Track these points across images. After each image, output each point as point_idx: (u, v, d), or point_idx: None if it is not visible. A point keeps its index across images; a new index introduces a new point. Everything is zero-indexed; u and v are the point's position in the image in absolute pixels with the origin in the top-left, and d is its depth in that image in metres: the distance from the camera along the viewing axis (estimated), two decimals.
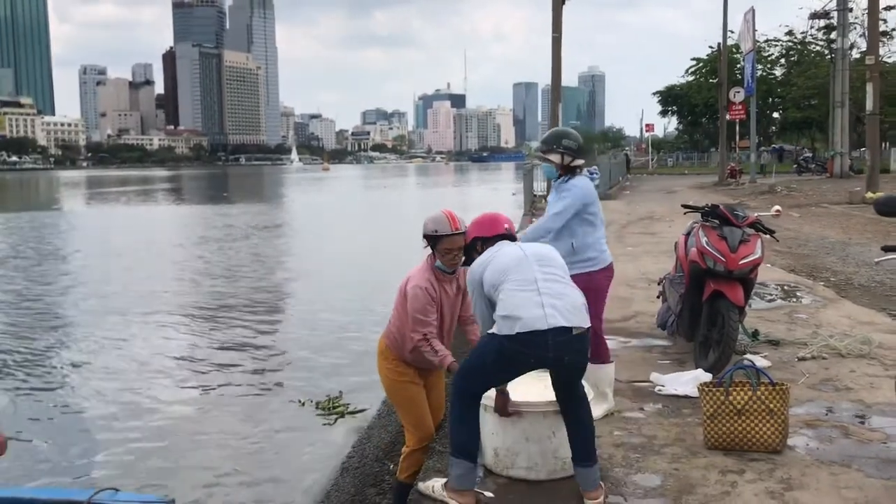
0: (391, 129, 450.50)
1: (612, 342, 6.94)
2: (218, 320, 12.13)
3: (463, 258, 4.01)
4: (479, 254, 3.87)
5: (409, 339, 4.02)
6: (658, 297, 7.33)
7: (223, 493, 5.66)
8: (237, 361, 9.59)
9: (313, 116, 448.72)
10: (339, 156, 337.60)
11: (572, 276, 4.75)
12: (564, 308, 3.53)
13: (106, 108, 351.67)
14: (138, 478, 5.81)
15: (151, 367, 9.44)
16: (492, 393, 3.91)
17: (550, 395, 3.84)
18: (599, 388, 4.90)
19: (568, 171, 4.85)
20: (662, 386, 5.57)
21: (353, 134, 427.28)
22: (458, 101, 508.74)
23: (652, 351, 6.71)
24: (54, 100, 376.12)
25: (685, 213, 6.83)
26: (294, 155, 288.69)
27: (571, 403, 3.74)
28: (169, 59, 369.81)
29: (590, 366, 4.92)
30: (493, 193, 49.71)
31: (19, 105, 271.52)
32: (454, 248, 3.94)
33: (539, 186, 25.07)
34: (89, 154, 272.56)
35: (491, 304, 3.69)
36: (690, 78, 64.79)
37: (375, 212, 37.48)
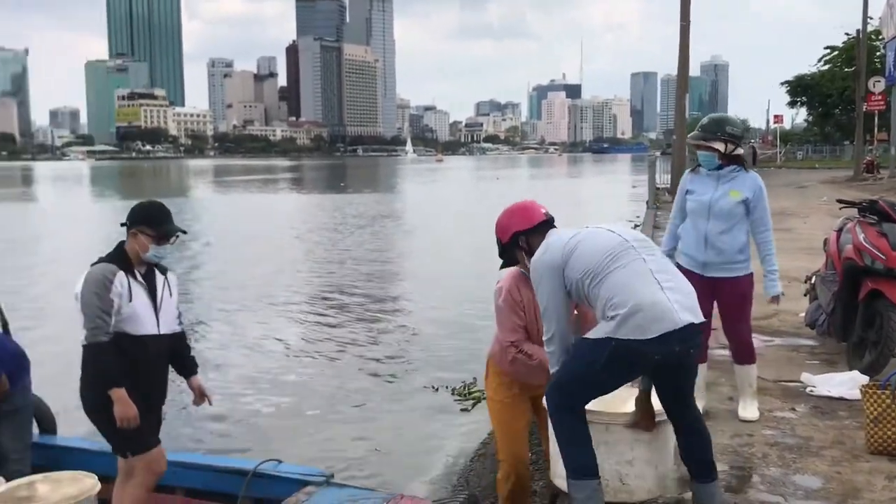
0: (504, 120, 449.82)
1: (753, 340, 6.75)
2: (340, 307, 12.48)
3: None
4: (525, 251, 3.40)
5: (504, 350, 3.64)
6: (805, 295, 7.04)
7: (370, 469, 5.84)
8: (366, 346, 9.85)
9: (427, 108, 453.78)
10: (452, 147, 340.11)
11: (738, 278, 4.67)
12: (687, 301, 3.10)
13: (232, 100, 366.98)
14: (289, 453, 6.08)
15: (282, 349, 9.86)
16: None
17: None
18: (752, 387, 4.77)
19: (731, 161, 4.62)
20: (814, 387, 5.36)
21: (466, 125, 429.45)
22: (573, 91, 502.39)
23: (799, 350, 6.46)
24: (184, 92, 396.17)
25: (841, 209, 6.50)
26: (409, 146, 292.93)
27: (687, 409, 3.26)
28: (291, 52, 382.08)
29: (738, 366, 4.81)
30: (611, 185, 48.95)
31: (153, 97, 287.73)
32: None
33: (662, 178, 24.52)
34: (216, 144, 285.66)
35: (569, 296, 3.19)
36: (823, 67, 61.54)
37: (489, 202, 37.57)
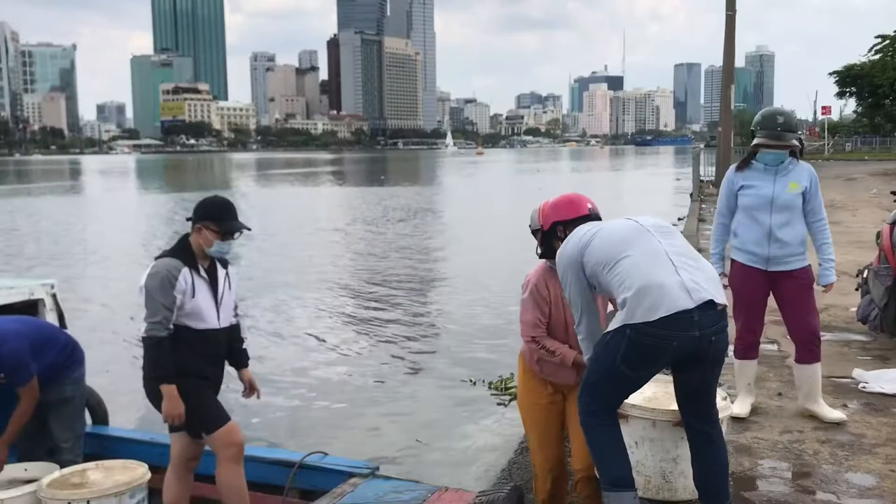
0: (545, 112, 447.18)
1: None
2: (381, 300, 12.55)
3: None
4: (563, 241, 3.29)
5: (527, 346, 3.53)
6: (857, 289, 6.88)
7: (413, 461, 5.86)
8: (405, 340, 9.89)
9: (468, 101, 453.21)
10: (492, 140, 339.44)
11: (802, 269, 4.56)
12: (706, 281, 2.93)
13: (274, 94, 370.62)
14: (332, 445, 6.13)
15: (323, 342, 9.95)
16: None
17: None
18: (815, 390, 4.64)
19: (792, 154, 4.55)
20: (867, 383, 5.24)
21: (506, 118, 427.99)
22: (615, 83, 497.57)
23: (850, 346, 6.32)
24: (227, 86, 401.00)
25: (894, 201, 6.33)
26: (449, 139, 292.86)
27: (704, 412, 3.06)
28: (332, 45, 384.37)
29: (807, 366, 4.61)
30: (654, 178, 48.38)
31: (197, 91, 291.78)
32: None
33: (706, 171, 24.18)
34: (259, 137, 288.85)
35: (591, 287, 3.11)
36: (874, 56, 59.97)
37: (530, 196, 37.38)
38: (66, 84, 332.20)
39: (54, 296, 5.00)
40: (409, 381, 8.17)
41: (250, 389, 4.17)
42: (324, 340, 9.97)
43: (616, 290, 2.95)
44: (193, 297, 3.81)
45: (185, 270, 3.80)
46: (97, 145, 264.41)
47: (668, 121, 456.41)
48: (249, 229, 3.98)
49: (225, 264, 4.05)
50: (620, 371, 2.92)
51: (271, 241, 20.14)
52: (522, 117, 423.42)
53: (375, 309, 11.86)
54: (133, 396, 8.30)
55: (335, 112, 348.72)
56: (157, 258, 3.88)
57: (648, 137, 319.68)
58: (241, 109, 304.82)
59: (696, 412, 3.08)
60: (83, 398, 4.80)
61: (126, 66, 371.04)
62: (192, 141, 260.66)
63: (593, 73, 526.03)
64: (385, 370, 8.59)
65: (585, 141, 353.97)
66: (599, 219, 3.33)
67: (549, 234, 3.36)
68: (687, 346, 2.88)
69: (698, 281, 2.90)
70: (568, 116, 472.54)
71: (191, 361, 3.82)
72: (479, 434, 6.52)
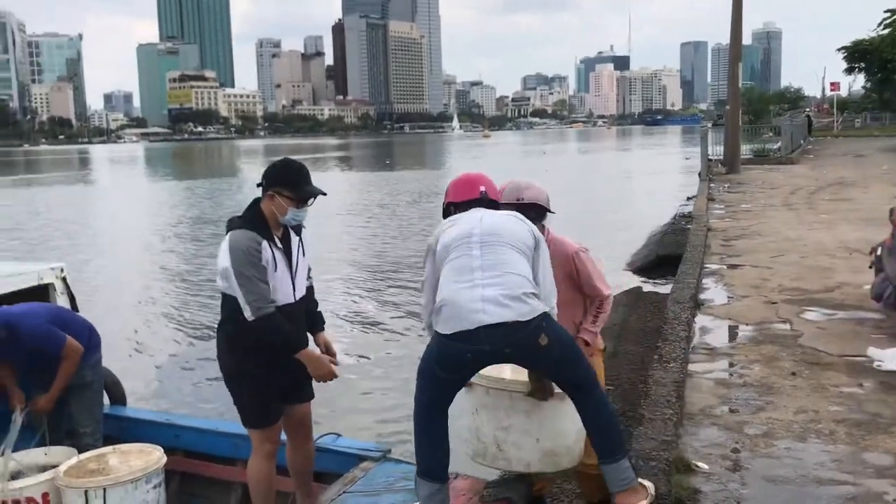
0: (552, 94, 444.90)
1: (814, 314, 6.61)
2: (396, 282, 12.55)
3: None
4: None
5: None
6: (871, 267, 6.83)
7: None
8: (419, 321, 9.89)
9: (474, 84, 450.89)
10: (498, 122, 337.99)
11: None
12: (498, 298, 2.93)
13: (280, 80, 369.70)
14: (345, 426, 6.15)
15: (339, 323, 9.95)
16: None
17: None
18: None
19: None
20: (881, 361, 5.21)
21: (513, 100, 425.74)
22: (621, 63, 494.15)
23: (863, 324, 6.27)
24: (234, 73, 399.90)
25: None
26: (455, 122, 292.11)
27: (578, 392, 3.07)
28: (338, 30, 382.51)
29: None
30: (662, 158, 48.11)
31: (204, 78, 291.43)
32: None
33: (714, 150, 24.01)
34: (266, 124, 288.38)
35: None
36: (883, 31, 59.28)
37: (536, 178, 37.12)
38: (74, 74, 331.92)
39: (64, 279, 4.99)
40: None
41: (327, 352, 3.83)
42: (339, 322, 9.99)
43: (437, 294, 3.06)
44: (275, 271, 3.53)
45: (265, 244, 3.49)
46: (105, 134, 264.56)
47: (675, 100, 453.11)
48: (325, 194, 3.64)
49: (299, 231, 3.73)
50: (434, 371, 3.01)
51: None
52: (528, 99, 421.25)
53: (392, 291, 11.88)
54: (148, 377, 8.44)
55: (341, 97, 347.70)
56: (229, 230, 3.55)
57: (658, 117, 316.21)
58: (247, 96, 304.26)
59: (573, 396, 3.09)
60: (101, 382, 4.83)
61: (132, 55, 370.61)
62: (200, 128, 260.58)
63: (599, 53, 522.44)
64: (400, 353, 8.61)
65: (592, 122, 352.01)
66: (491, 203, 3.29)
67: (445, 213, 3.35)
68: (485, 358, 2.97)
69: (488, 298, 2.92)
70: (574, 97, 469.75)
71: (253, 350, 3.55)
72: None
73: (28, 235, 20.35)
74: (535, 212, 3.44)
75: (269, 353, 3.55)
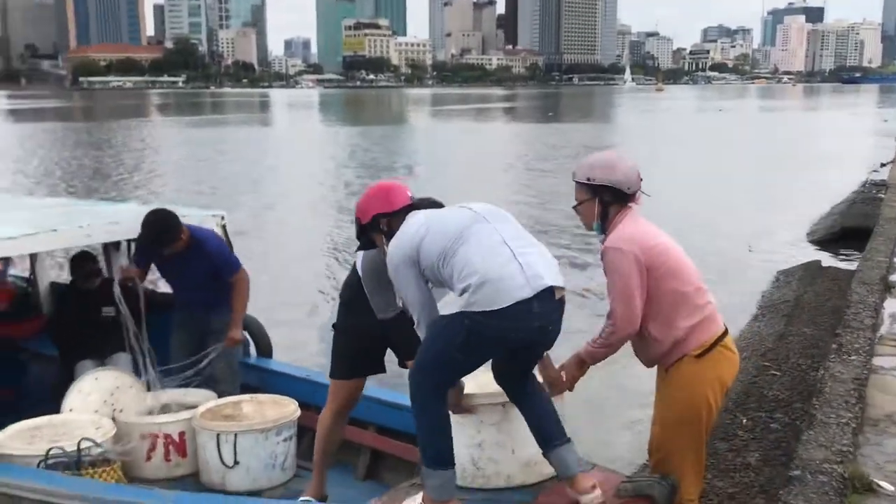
0: (733, 47, 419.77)
1: None
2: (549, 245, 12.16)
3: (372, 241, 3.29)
4: (386, 234, 3.16)
5: None
6: None
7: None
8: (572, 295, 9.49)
9: (650, 34, 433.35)
10: (674, 76, 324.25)
11: None
12: (545, 266, 2.90)
13: (451, 29, 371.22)
14: None
15: None
16: None
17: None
18: None
19: None
20: None
21: (690, 53, 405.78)
22: (814, 14, 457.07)
23: None
24: (406, 21, 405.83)
25: None
26: (627, 75, 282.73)
27: (527, 383, 3.09)
28: None
29: None
30: (855, 119, 44.25)
31: (377, 27, 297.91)
32: None
33: None
34: (434, 73, 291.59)
35: (429, 282, 3.04)
36: None
37: (708, 138, 35.14)
38: (257, 20, 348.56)
39: (224, 227, 5.07)
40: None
41: None
42: None
43: (454, 281, 2.90)
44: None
45: None
46: (284, 79, 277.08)
47: (872, 56, 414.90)
48: None
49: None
50: (453, 357, 2.92)
51: (438, 176, 20.20)
52: (708, 52, 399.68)
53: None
54: (296, 332, 8.53)
55: (510, 47, 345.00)
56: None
57: (857, 74, 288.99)
58: (418, 45, 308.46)
59: (519, 385, 3.11)
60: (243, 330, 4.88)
61: (312, 2, 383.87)
62: (371, 76, 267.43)
63: (790, 3, 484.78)
64: None
65: (777, 78, 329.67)
66: (421, 207, 3.19)
67: (371, 227, 3.23)
68: (525, 337, 2.91)
69: (537, 267, 2.88)
70: (758, 51, 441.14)
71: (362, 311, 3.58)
72: (629, 410, 5.88)
73: (209, 178, 21.60)
74: (611, 195, 3.05)
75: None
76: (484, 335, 2.85)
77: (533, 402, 3.10)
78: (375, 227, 3.23)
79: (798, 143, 31.10)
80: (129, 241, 4.93)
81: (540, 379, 3.20)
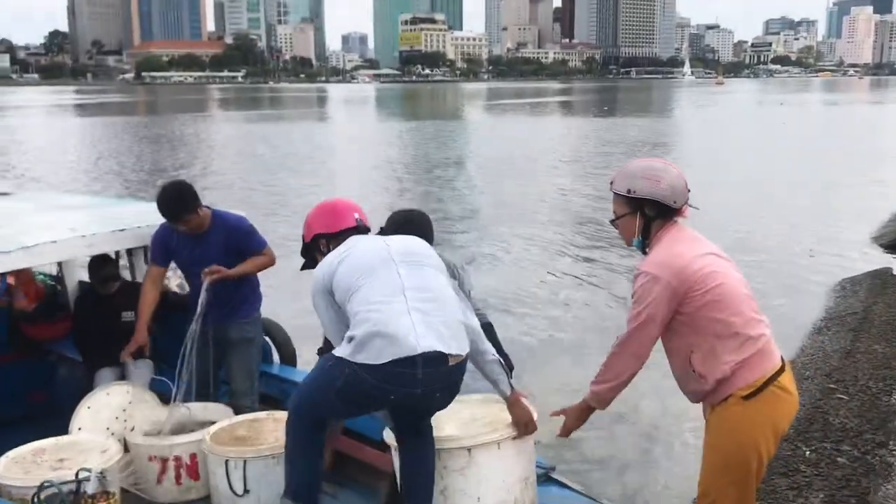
0: (797, 39, 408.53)
1: None
2: (590, 249, 11.76)
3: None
4: (325, 256, 3.01)
5: None
6: None
7: (590, 464, 4.98)
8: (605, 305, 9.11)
9: (710, 27, 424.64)
10: (735, 69, 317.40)
11: None
12: (442, 327, 2.68)
13: (507, 23, 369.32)
14: None
15: (528, 286, 9.38)
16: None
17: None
18: None
19: None
20: None
21: (752, 45, 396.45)
22: (883, 5, 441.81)
23: None
24: (462, 16, 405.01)
25: None
26: (686, 68, 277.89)
27: (419, 438, 2.88)
28: None
29: None
30: None
31: (433, 21, 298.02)
32: None
33: None
34: (490, 67, 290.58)
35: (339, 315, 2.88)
36: None
37: (769, 133, 33.95)
38: (315, 15, 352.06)
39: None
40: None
41: None
42: (528, 285, 9.44)
43: (350, 322, 2.75)
44: None
45: None
46: (341, 74, 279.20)
47: None
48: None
49: None
50: (331, 399, 2.78)
51: (490, 173, 19.87)
52: (770, 44, 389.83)
53: (586, 261, 11.08)
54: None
55: (567, 40, 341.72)
56: None
57: None
58: (474, 39, 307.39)
59: (411, 433, 2.91)
60: (261, 340, 4.66)
61: None
62: (427, 71, 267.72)
63: None
64: (579, 342, 7.51)
65: (842, 71, 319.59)
66: (368, 230, 3.12)
67: (311, 247, 3.14)
68: (405, 401, 2.72)
69: (431, 327, 2.67)
70: (823, 44, 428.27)
71: None
72: (678, 423, 5.38)
73: (263, 175, 21.65)
74: (654, 209, 2.71)
75: None
76: (360, 388, 2.68)
77: (413, 457, 2.91)
78: (316, 247, 3.13)
79: (864, 138, 29.83)
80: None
81: (508, 418, 2.94)
